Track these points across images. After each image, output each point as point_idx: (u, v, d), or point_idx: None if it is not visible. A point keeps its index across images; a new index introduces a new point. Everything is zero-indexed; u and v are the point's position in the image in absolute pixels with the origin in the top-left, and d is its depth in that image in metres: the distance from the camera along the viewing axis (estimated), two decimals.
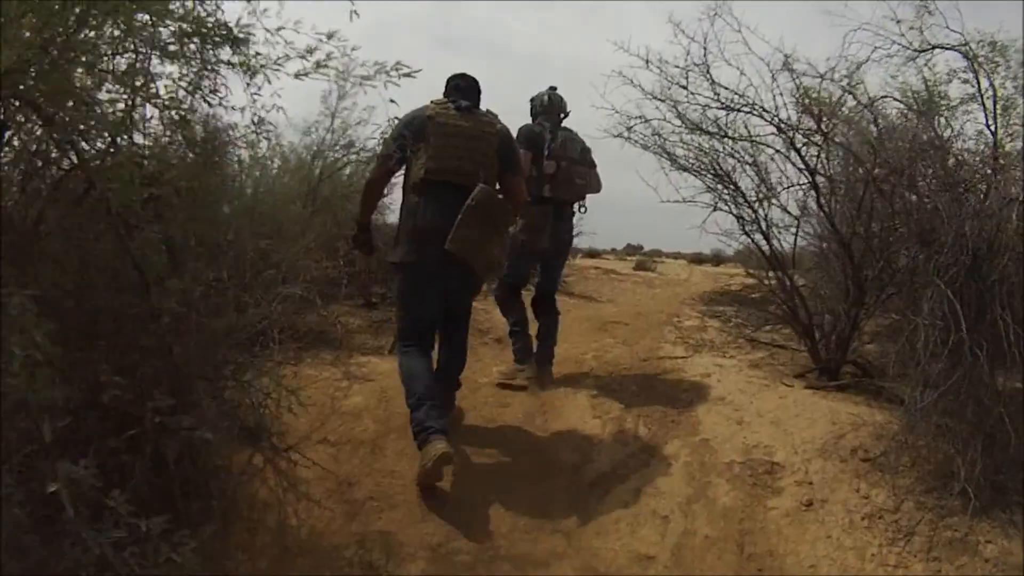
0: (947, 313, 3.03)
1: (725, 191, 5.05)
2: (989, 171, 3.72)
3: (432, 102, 3.37)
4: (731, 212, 5.10)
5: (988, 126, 5.26)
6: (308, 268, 4.50)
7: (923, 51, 5.48)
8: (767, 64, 4.61)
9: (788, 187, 4.96)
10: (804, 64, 4.77)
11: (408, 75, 2.66)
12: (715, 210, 5.08)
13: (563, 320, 5.21)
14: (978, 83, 5.35)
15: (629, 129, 4.96)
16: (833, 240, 4.75)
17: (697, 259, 33.51)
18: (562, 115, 4.60)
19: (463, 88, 3.49)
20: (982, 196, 3.44)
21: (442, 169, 3.19)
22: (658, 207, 4.98)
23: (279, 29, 2.37)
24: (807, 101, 4.71)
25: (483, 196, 3.10)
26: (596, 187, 4.73)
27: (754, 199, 5.06)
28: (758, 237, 5.07)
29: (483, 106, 3.52)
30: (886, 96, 5.18)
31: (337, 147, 6.82)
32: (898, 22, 5.31)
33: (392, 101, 2.73)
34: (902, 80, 5.49)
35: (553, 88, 4.61)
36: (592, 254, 27.48)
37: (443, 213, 3.11)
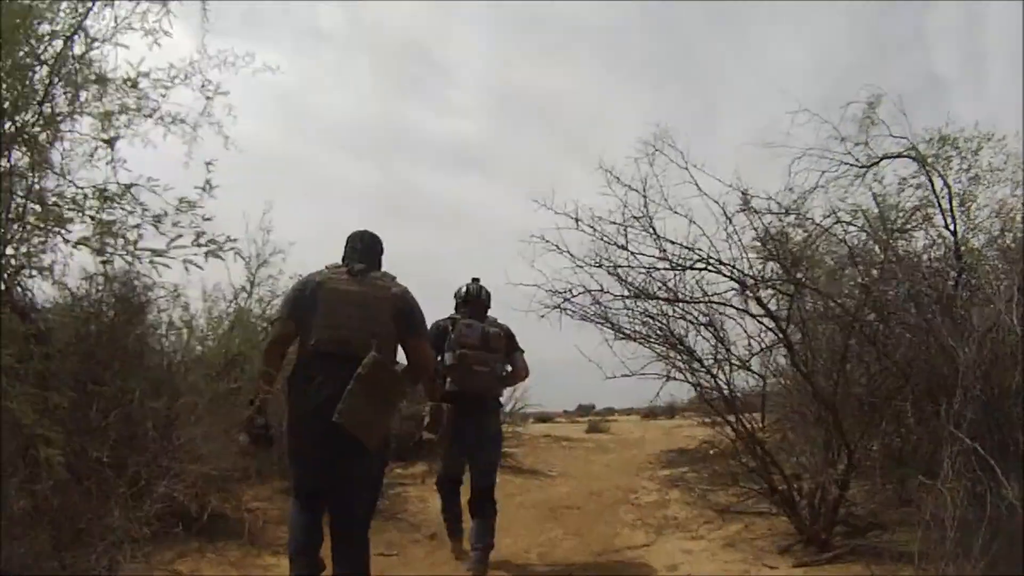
0: (977, 470, 2.45)
1: (679, 358, 4.53)
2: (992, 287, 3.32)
3: (326, 267, 3.20)
4: (687, 380, 4.59)
5: (948, 226, 5.06)
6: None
7: (871, 165, 5.30)
8: (721, 206, 4.28)
9: (758, 351, 4.52)
10: (764, 200, 4.47)
11: None
12: (669, 380, 4.56)
13: (506, 508, 4.63)
14: (932, 185, 5.17)
15: (565, 300, 4.60)
16: (813, 401, 4.24)
17: (651, 412, 33.23)
18: (482, 305, 4.42)
19: (360, 249, 3.30)
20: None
21: (331, 340, 2.97)
22: (589, 359, 4.55)
23: None
24: (773, 246, 4.32)
25: (373, 365, 2.86)
26: (519, 372, 4.41)
27: (712, 363, 4.57)
28: (720, 404, 4.54)
29: (385, 267, 3.34)
30: (839, 222, 4.89)
31: (259, 315, 6.39)
32: (842, 140, 5.14)
33: None
34: (851, 201, 5.26)
35: (475, 280, 4.48)
36: (543, 418, 26.68)
37: (332, 386, 2.85)
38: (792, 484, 4.31)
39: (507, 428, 9.30)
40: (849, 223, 5.00)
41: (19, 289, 3.27)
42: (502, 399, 4.61)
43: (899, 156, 5.24)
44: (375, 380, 2.88)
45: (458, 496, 4.38)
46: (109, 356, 3.89)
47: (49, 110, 3.46)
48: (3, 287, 2.33)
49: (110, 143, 3.67)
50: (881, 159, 5.25)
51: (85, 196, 3.49)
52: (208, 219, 3.81)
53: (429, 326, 3.61)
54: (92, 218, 3.49)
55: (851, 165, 5.20)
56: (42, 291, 3.42)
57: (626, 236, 4.38)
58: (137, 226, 3.63)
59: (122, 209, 3.59)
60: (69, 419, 1.98)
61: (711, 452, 10.07)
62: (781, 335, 4.20)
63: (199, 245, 3.78)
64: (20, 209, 3.11)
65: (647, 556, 4.28)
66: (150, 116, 3.91)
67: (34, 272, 3.03)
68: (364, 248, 3.31)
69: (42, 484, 1.88)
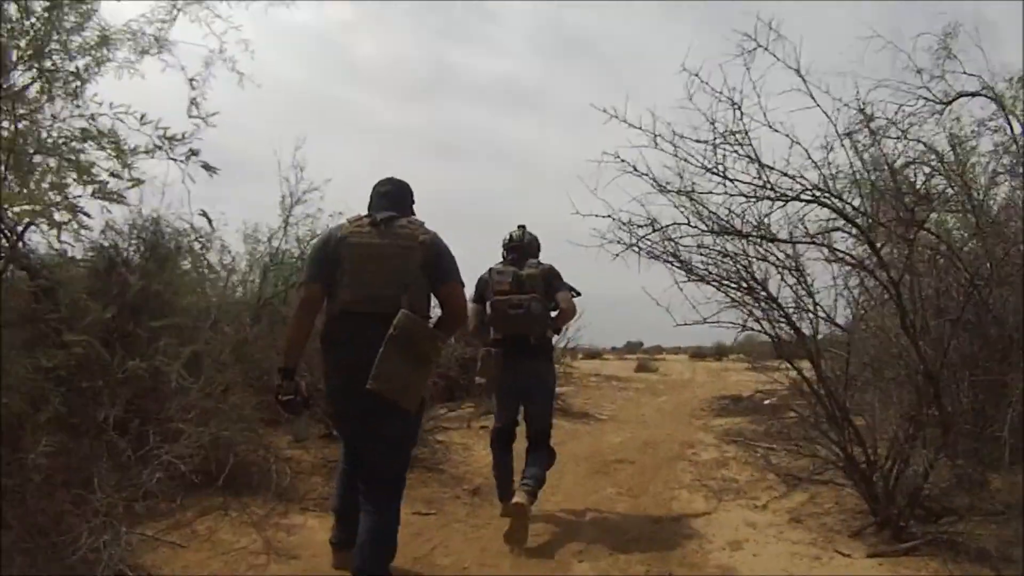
0: None
1: (758, 305, 4.10)
2: None
3: (348, 220, 2.99)
4: (765, 333, 4.16)
5: None
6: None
7: (949, 102, 4.68)
8: (833, 122, 3.70)
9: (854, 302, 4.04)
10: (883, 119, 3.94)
11: None
12: (744, 329, 4.16)
13: (558, 458, 4.44)
14: (1011, 129, 4.64)
15: (638, 239, 4.15)
16: (909, 367, 3.79)
17: (698, 353, 32.93)
18: (525, 250, 4.36)
19: (385, 195, 3.09)
20: None
21: (359, 300, 2.79)
22: (658, 303, 4.13)
23: None
24: (899, 179, 3.84)
25: (404, 323, 2.66)
26: (564, 311, 4.29)
27: (794, 312, 4.12)
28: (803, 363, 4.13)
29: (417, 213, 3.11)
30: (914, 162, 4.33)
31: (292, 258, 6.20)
32: (918, 71, 4.53)
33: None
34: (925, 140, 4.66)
35: (521, 227, 4.46)
36: (592, 355, 26.56)
37: (363, 347, 2.66)
38: (870, 457, 3.90)
39: (557, 368, 9.13)
40: (927, 165, 4.41)
41: (23, 245, 3.15)
42: (552, 340, 4.44)
43: (976, 95, 4.61)
44: (407, 339, 2.67)
45: (510, 453, 4.26)
46: (139, 305, 3.77)
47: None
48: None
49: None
50: (957, 96, 4.62)
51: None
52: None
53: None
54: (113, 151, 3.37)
55: (928, 100, 4.56)
56: (55, 244, 3.27)
57: (716, 155, 3.79)
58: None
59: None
60: (78, 376, 1.76)
61: (765, 402, 9.76)
62: (892, 289, 3.66)
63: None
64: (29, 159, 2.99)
65: (708, 528, 3.96)
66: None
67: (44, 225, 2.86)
68: (389, 194, 3.09)
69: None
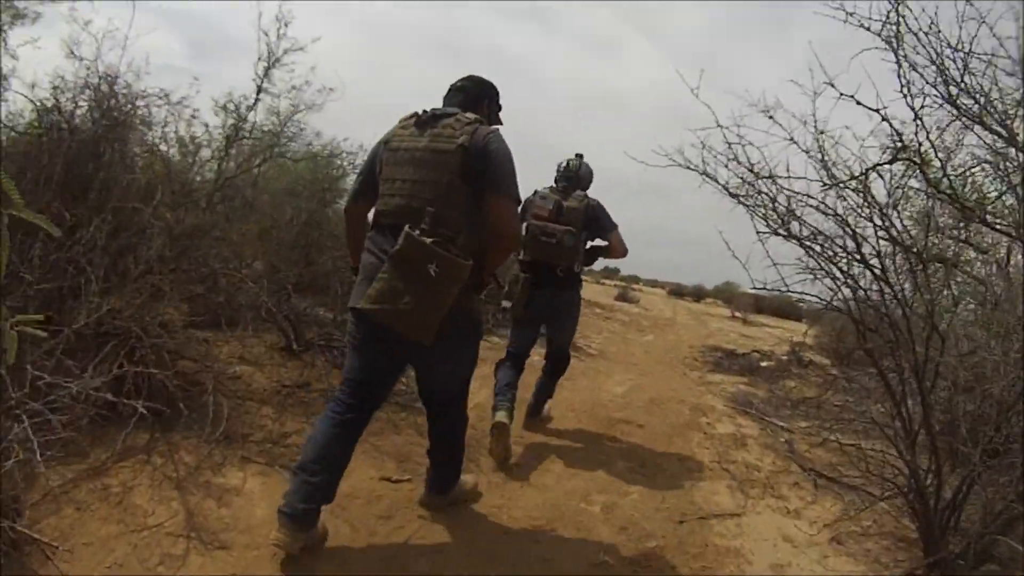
0: None
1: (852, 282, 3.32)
2: None
3: (400, 119, 2.66)
4: (852, 317, 3.37)
5: None
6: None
7: None
8: None
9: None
10: None
11: None
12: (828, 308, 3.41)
13: (555, 410, 4.46)
14: None
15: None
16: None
17: (677, 291, 32.52)
18: (575, 181, 4.28)
19: (457, 91, 2.75)
20: None
21: (387, 211, 2.52)
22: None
23: None
24: None
25: (406, 241, 2.33)
26: (614, 249, 4.28)
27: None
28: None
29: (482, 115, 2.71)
30: None
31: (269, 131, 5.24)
32: None
33: None
34: None
35: (579, 155, 4.36)
36: None
37: (375, 268, 2.45)
38: (932, 474, 3.22)
39: None
40: None
41: None
42: (580, 273, 4.33)
43: None
44: (407, 259, 2.32)
45: (516, 371, 4.17)
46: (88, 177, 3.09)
47: None
48: None
49: None
50: None
51: None
52: None
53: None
54: None
55: None
56: None
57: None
58: None
59: None
60: None
61: (762, 364, 9.17)
62: None
63: None
64: None
65: (741, 537, 3.28)
66: None
67: None
68: (462, 91, 2.74)
69: None
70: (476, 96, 2.75)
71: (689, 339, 12.31)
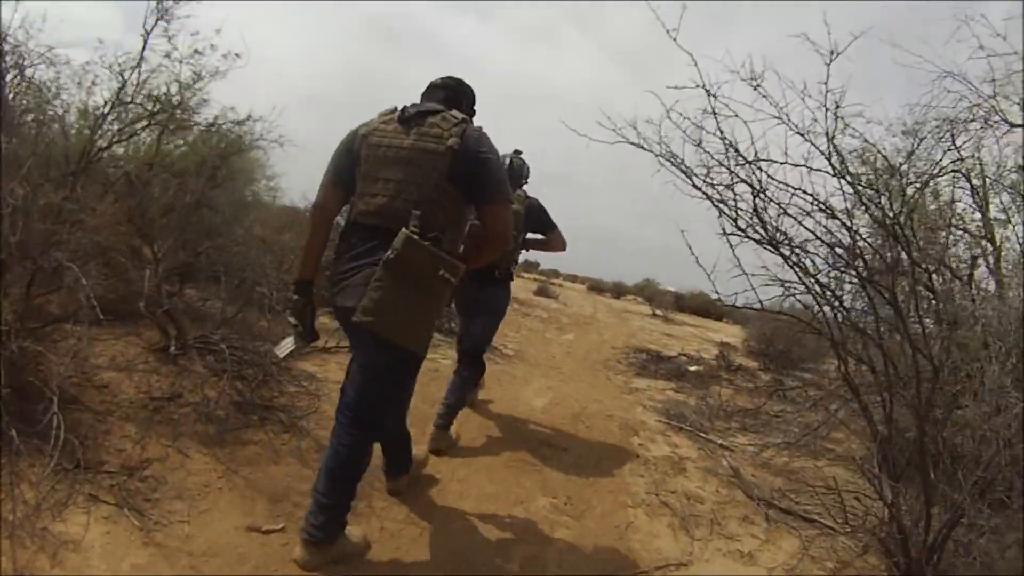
0: None
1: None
2: None
3: (379, 113, 2.52)
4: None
5: None
6: None
7: None
8: None
9: None
10: None
11: None
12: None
13: (467, 425, 4.07)
14: None
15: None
16: None
17: (597, 287, 32.22)
18: (517, 181, 4.20)
19: (436, 88, 2.61)
20: None
21: (368, 211, 2.37)
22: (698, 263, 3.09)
23: None
24: None
25: (404, 245, 2.17)
26: (553, 244, 4.31)
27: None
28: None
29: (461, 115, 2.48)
30: None
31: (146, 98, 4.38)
32: None
33: None
34: None
35: (517, 152, 4.24)
36: None
37: (364, 268, 2.30)
38: (919, 517, 2.79)
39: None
40: None
41: None
42: (511, 270, 4.15)
43: None
44: (407, 264, 2.18)
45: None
46: None
47: None
48: None
49: None
50: None
51: None
52: None
53: None
54: None
55: None
56: None
57: None
58: None
59: None
60: None
61: (691, 368, 8.65)
62: None
63: None
64: None
65: None
66: None
67: None
68: (433, 87, 2.63)
69: None
70: (456, 97, 2.62)
71: (611, 338, 11.76)
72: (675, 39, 2.84)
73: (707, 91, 2.82)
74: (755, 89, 2.74)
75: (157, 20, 4.44)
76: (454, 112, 2.45)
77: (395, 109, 2.50)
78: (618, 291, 29.27)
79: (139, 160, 4.93)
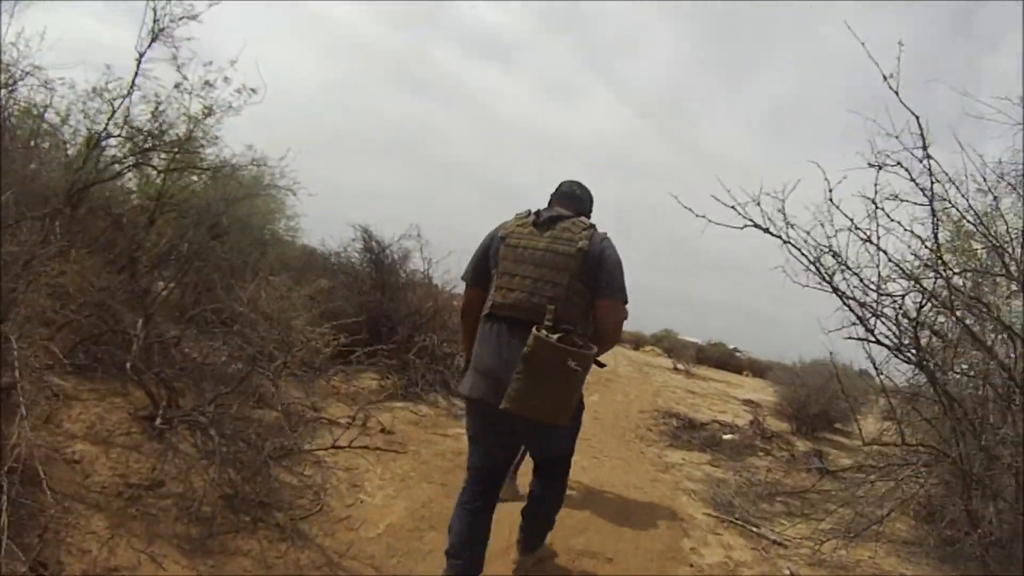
0: None
1: None
2: None
3: (515, 215, 2.86)
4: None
5: None
6: None
7: None
8: None
9: None
10: None
11: None
12: None
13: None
14: None
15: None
16: None
17: None
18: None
19: (565, 195, 2.96)
20: None
21: (506, 304, 2.67)
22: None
23: None
24: None
25: (537, 346, 2.45)
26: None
27: None
28: None
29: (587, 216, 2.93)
30: None
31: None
32: None
33: None
34: None
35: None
36: None
37: (504, 357, 2.60)
38: None
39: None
40: None
41: None
42: None
43: None
44: (541, 359, 2.45)
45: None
46: None
47: None
48: None
49: None
50: None
51: None
52: None
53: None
54: None
55: None
56: None
57: None
58: None
59: None
60: None
61: (724, 437, 8.24)
62: None
63: None
64: None
65: None
66: None
67: None
68: (562, 194, 2.96)
69: None
70: (575, 199, 2.94)
71: (637, 398, 11.38)
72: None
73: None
74: None
75: (151, 41, 4.17)
76: (582, 218, 2.78)
77: (529, 213, 2.82)
78: (637, 342, 28.83)
79: (138, 199, 4.65)
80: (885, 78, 3.51)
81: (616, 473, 5.60)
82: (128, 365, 3.48)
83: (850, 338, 4.07)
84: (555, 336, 2.46)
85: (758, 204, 3.93)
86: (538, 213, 2.78)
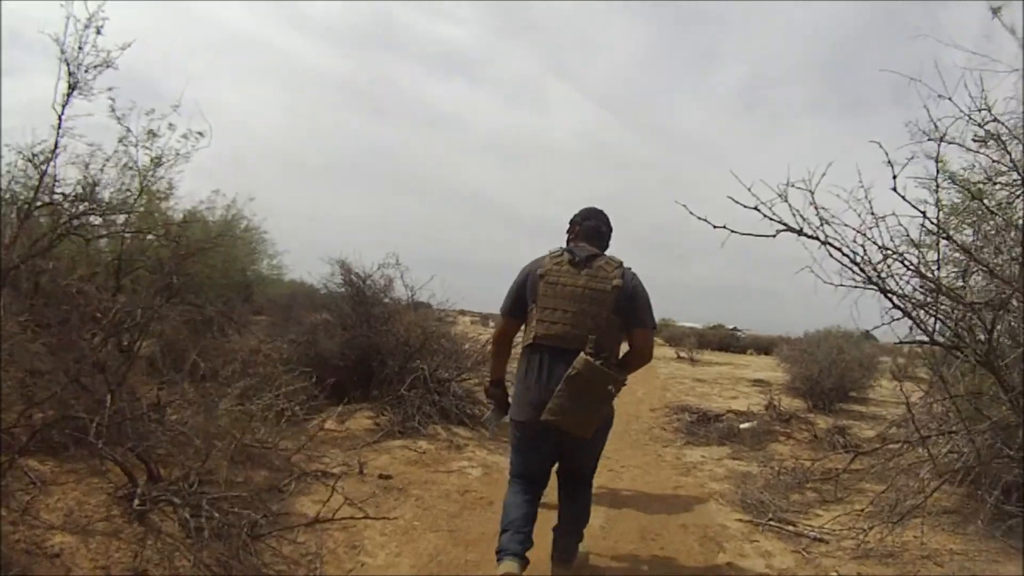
0: None
1: None
2: None
3: (549, 253, 3.21)
4: None
5: None
6: None
7: None
8: None
9: None
10: None
11: None
12: None
13: None
14: None
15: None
16: None
17: None
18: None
19: (584, 233, 3.32)
20: None
21: (550, 335, 3.03)
22: None
23: None
24: None
25: (584, 367, 2.89)
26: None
27: None
28: None
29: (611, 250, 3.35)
30: None
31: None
32: None
33: None
34: None
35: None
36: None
37: (549, 381, 3.00)
38: None
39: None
40: None
41: None
42: None
43: None
44: (584, 381, 2.88)
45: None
46: None
47: None
48: None
49: None
50: None
51: None
52: None
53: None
54: None
55: None
56: None
57: None
58: None
59: None
60: None
61: (742, 427, 7.89)
62: None
63: None
64: None
65: None
66: None
67: None
68: (589, 231, 3.30)
69: None
70: (601, 234, 3.32)
71: (646, 395, 11.07)
72: None
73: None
74: None
75: (70, 92, 3.86)
76: (614, 256, 3.18)
77: (561, 251, 3.17)
78: None
79: (83, 267, 4.34)
80: None
81: (637, 485, 5.26)
82: (100, 443, 3.15)
83: (900, 342, 3.84)
84: (598, 362, 2.88)
85: (785, 200, 3.60)
86: (571, 252, 3.14)
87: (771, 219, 3.68)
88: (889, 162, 3.41)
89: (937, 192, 3.61)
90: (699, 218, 3.69)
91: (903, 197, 3.42)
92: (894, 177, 3.42)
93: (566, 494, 3.30)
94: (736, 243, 3.74)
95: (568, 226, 3.44)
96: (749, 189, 3.62)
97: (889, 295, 3.62)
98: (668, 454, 6.69)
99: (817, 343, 10.76)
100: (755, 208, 3.69)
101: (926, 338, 3.73)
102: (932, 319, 3.66)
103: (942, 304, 3.58)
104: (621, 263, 3.13)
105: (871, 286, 3.60)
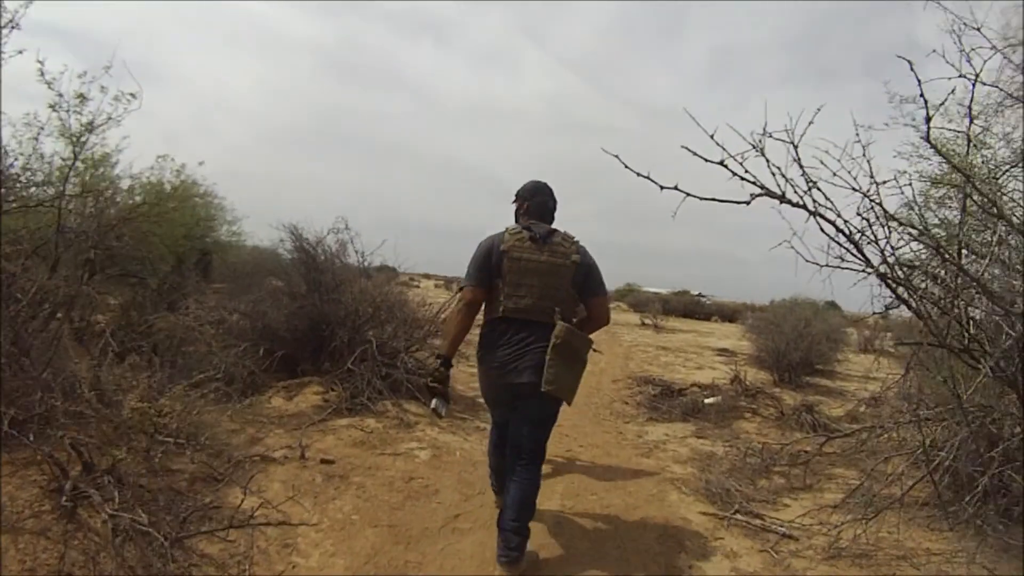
0: None
1: None
2: None
3: (508, 230, 3.39)
4: None
5: None
6: None
7: None
8: None
9: None
10: None
11: None
12: None
13: None
14: None
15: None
16: None
17: None
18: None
19: (543, 206, 3.53)
20: None
21: (519, 308, 3.25)
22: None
23: None
24: None
25: (565, 334, 3.16)
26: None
27: None
28: None
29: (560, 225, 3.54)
30: None
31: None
32: None
33: None
34: None
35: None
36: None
37: (519, 350, 3.21)
38: None
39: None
40: None
41: None
42: None
43: None
44: (568, 346, 3.15)
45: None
46: None
47: None
48: None
49: None
50: None
51: None
52: None
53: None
54: None
55: None
56: None
57: None
58: None
59: None
60: None
61: (707, 402, 7.64)
62: None
63: None
64: None
65: None
66: None
67: None
68: (540, 207, 3.51)
69: None
70: (554, 205, 3.58)
71: (608, 366, 10.78)
72: None
73: None
74: None
75: None
76: (568, 232, 3.41)
77: (520, 229, 3.37)
78: None
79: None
80: None
81: (595, 472, 4.94)
82: (29, 437, 2.82)
83: (911, 342, 3.56)
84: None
85: (761, 153, 3.13)
86: (529, 229, 3.35)
87: (743, 178, 3.29)
88: (857, 133, 3.04)
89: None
90: (662, 187, 3.33)
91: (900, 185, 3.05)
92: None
93: (521, 464, 3.31)
94: (702, 209, 3.38)
95: (514, 198, 3.62)
96: (712, 137, 3.19)
97: (889, 283, 3.25)
98: (629, 431, 6.40)
99: (784, 315, 10.55)
100: (721, 163, 3.30)
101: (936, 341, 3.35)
102: (948, 321, 3.26)
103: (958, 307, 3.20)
104: (575, 239, 3.40)
105: (869, 270, 3.22)
